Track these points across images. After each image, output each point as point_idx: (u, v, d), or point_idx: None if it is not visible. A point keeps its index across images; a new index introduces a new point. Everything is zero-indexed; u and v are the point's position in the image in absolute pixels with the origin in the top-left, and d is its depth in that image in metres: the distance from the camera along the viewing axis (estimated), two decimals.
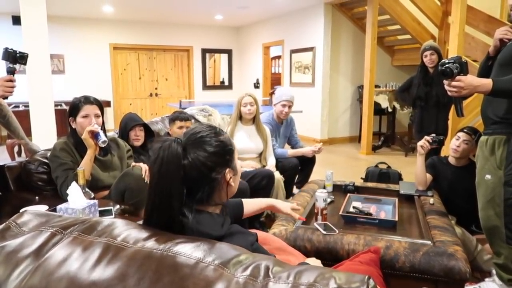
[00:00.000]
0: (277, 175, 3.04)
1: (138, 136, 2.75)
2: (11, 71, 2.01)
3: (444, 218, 2.20)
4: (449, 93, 1.85)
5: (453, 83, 1.80)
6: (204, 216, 1.03)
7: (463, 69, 1.80)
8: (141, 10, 7.48)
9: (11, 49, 2.01)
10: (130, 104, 8.97)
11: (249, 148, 3.14)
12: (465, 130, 2.64)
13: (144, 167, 2.23)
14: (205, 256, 0.76)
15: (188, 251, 0.78)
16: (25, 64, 2.05)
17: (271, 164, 3.16)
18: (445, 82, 1.83)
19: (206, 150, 1.04)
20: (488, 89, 1.80)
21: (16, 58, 2.01)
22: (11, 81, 2.00)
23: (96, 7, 7.09)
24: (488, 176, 1.99)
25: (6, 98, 2.12)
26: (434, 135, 2.66)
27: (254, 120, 3.21)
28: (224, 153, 1.08)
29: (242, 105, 3.15)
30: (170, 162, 0.98)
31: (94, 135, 2.11)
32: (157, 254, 0.78)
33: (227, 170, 1.09)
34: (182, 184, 0.99)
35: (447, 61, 1.81)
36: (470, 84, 1.79)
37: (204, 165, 1.03)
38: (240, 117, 3.20)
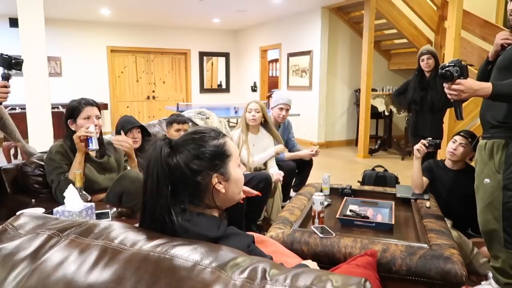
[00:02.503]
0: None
1: (135, 138, 2.75)
2: (6, 77, 2.02)
3: (441, 221, 2.21)
4: (449, 96, 1.85)
5: (453, 86, 1.80)
6: (200, 218, 1.03)
7: (463, 72, 1.80)
8: (139, 13, 7.49)
9: (6, 55, 2.01)
10: (127, 106, 8.95)
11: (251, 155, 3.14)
12: (462, 134, 2.66)
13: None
14: (202, 259, 0.76)
15: (185, 254, 0.78)
16: (20, 70, 2.06)
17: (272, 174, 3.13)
18: (445, 85, 1.83)
19: (191, 153, 1.04)
20: (487, 93, 1.80)
21: (11, 64, 2.01)
22: (5, 87, 2.01)
23: (94, 9, 7.09)
24: (487, 180, 2.00)
25: (0, 103, 2.13)
26: (430, 138, 2.67)
27: (264, 125, 3.19)
28: (213, 157, 1.06)
29: (247, 111, 3.11)
30: (156, 161, 1.00)
31: (87, 139, 2.10)
32: (154, 256, 0.78)
33: (215, 175, 1.06)
34: (169, 183, 1.00)
35: (447, 64, 1.81)
36: (470, 87, 1.79)
37: (188, 167, 1.02)
38: (247, 125, 3.15)
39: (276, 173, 3.02)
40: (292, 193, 3.56)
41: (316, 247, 1.90)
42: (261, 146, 3.18)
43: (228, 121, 5.64)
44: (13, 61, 2.01)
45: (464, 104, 3.53)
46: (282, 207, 2.99)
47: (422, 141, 2.64)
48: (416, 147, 2.64)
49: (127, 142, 2.38)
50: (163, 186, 0.99)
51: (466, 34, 5.55)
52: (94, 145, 2.10)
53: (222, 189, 1.07)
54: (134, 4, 6.70)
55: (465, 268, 1.73)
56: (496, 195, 1.95)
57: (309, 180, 3.55)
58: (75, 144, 2.12)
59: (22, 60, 2.05)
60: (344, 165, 5.89)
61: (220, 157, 1.08)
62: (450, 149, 2.67)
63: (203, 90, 9.69)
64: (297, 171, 3.47)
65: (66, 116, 2.23)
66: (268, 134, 3.22)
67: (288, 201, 3.23)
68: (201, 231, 0.99)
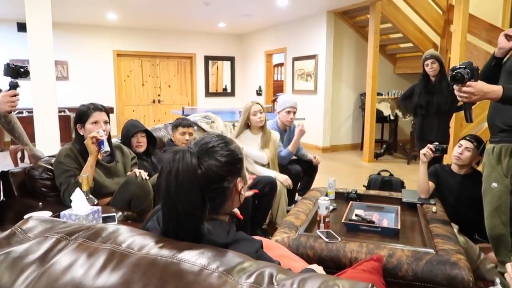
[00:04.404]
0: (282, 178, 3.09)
1: (140, 143, 2.76)
2: (14, 86, 2.04)
3: (447, 226, 2.20)
4: (459, 98, 1.82)
5: (464, 88, 1.77)
6: (211, 224, 1.04)
7: (474, 75, 1.78)
8: (145, 18, 7.54)
9: (13, 64, 2.04)
10: (133, 110, 9.00)
11: (260, 156, 3.16)
12: (467, 138, 2.65)
13: (143, 174, 2.22)
14: (209, 263, 0.77)
15: (192, 258, 0.78)
16: (26, 77, 2.09)
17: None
18: (456, 87, 1.80)
19: (218, 160, 1.05)
20: (498, 96, 1.78)
21: (19, 73, 2.04)
22: (15, 95, 2.04)
23: (100, 14, 7.15)
24: (494, 184, 1.98)
25: (10, 112, 2.16)
26: (437, 143, 2.66)
27: (262, 128, 3.23)
28: (235, 162, 1.09)
29: (252, 114, 3.17)
30: (186, 172, 0.98)
31: (98, 143, 2.14)
32: (161, 261, 0.78)
33: (239, 179, 1.10)
34: (199, 193, 1.00)
35: (458, 67, 1.79)
36: (481, 90, 1.77)
37: (217, 174, 1.04)
38: (248, 126, 3.23)
39: (284, 180, 3.10)
40: (297, 197, 3.56)
41: (321, 252, 1.90)
42: (263, 146, 3.21)
43: (233, 125, 5.64)
44: (21, 69, 2.04)
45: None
46: (287, 211, 2.99)
47: (429, 145, 2.63)
48: (422, 151, 2.63)
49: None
50: (197, 196, 0.99)
51: (472, 38, 5.53)
52: (106, 148, 2.14)
53: (243, 192, 1.11)
54: (140, 9, 6.75)
55: (472, 274, 1.72)
56: (503, 199, 1.94)
57: (315, 184, 3.55)
58: (87, 147, 2.15)
59: (28, 69, 2.08)
60: (349, 169, 5.87)
61: (239, 160, 1.11)
62: (455, 153, 2.65)
63: (208, 94, 9.72)
64: (303, 175, 3.47)
65: (75, 120, 2.27)
66: (265, 136, 3.24)
67: (293, 205, 3.22)
68: (211, 237, 0.99)
